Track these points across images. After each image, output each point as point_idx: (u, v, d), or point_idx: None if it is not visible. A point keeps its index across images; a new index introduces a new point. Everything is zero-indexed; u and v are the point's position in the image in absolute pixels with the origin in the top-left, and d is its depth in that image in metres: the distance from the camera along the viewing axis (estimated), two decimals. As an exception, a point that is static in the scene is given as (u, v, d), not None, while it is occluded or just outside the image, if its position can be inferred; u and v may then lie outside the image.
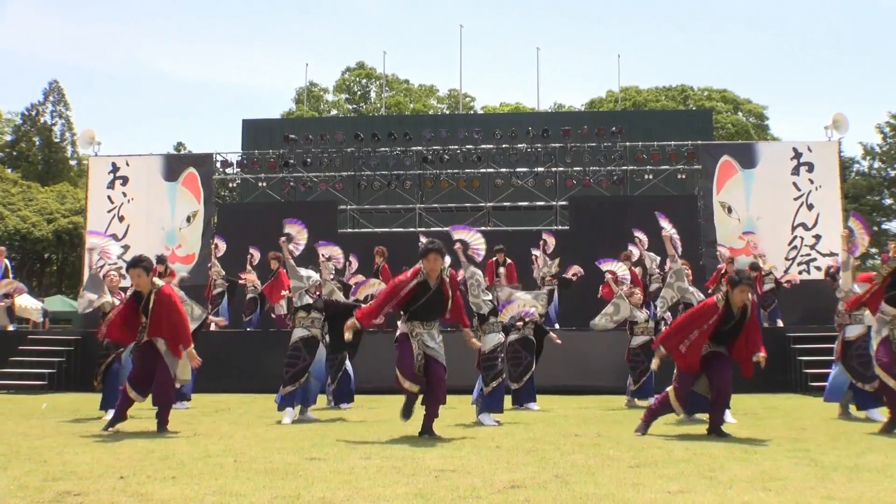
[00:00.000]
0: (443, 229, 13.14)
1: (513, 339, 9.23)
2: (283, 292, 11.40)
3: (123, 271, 9.79)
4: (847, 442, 6.05)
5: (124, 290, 8.74)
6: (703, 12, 75.33)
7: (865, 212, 35.43)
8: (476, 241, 8.17)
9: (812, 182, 16.09)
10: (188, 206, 17.25)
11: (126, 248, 16.32)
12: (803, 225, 15.99)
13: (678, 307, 9.02)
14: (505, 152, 18.30)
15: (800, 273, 15.06)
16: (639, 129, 20.19)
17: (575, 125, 18.97)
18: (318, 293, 8.43)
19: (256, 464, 4.86)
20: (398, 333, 6.56)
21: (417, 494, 3.90)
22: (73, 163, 45.07)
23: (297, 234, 8.59)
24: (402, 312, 6.41)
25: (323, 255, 9.92)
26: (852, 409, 8.15)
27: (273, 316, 13.26)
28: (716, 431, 6.40)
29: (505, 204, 18.62)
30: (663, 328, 8.43)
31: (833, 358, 8.49)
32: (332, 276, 9.93)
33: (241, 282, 13.74)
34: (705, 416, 6.82)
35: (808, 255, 15.83)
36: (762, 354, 6.34)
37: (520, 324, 9.15)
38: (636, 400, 9.76)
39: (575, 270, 13.28)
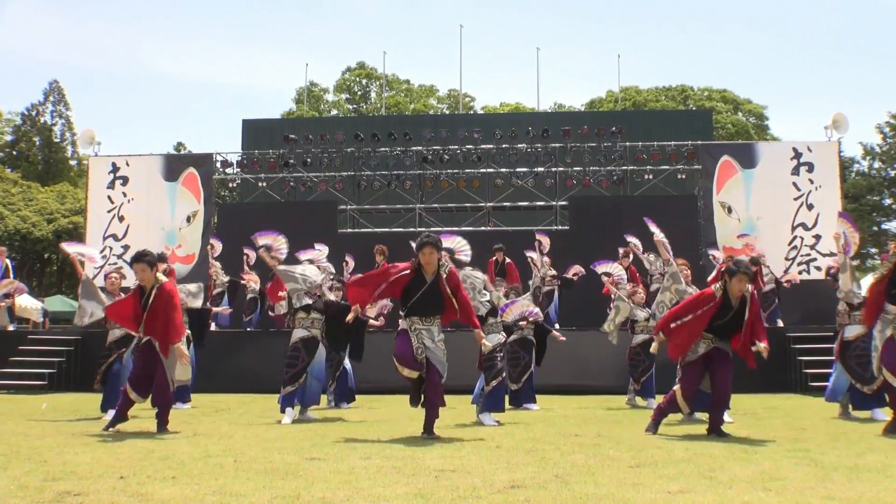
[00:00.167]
0: (443, 229, 13.15)
1: (511, 340, 9.22)
2: (281, 293, 11.35)
3: (124, 271, 9.78)
4: (847, 442, 6.04)
5: (125, 290, 8.73)
6: (703, 12, 75.40)
7: (865, 212, 35.47)
8: (459, 245, 8.12)
9: (812, 182, 16.06)
10: (188, 206, 17.22)
11: (126, 248, 16.37)
12: (803, 225, 15.97)
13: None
14: (505, 152, 18.30)
15: (800, 273, 15.04)
16: (639, 129, 20.21)
17: (575, 125, 18.98)
18: (318, 294, 8.43)
19: (256, 464, 4.86)
20: (398, 329, 6.60)
21: (417, 494, 3.90)
22: (73, 163, 45.12)
23: (275, 242, 8.57)
24: (401, 312, 6.43)
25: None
26: (852, 408, 8.16)
27: (271, 315, 13.24)
28: (716, 431, 6.39)
29: (505, 204, 18.62)
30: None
31: (833, 358, 8.49)
32: (331, 276, 9.91)
33: (242, 282, 13.76)
34: (705, 416, 6.83)
35: (808, 255, 15.81)
36: (763, 345, 6.28)
37: (523, 323, 9.15)
38: (637, 399, 9.76)
39: (576, 270, 13.25)
